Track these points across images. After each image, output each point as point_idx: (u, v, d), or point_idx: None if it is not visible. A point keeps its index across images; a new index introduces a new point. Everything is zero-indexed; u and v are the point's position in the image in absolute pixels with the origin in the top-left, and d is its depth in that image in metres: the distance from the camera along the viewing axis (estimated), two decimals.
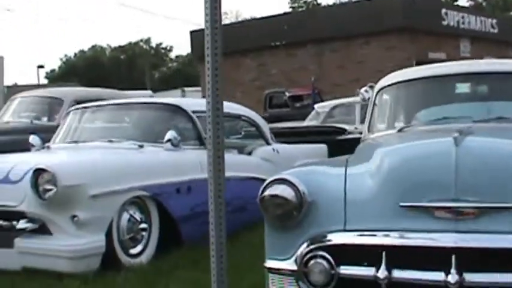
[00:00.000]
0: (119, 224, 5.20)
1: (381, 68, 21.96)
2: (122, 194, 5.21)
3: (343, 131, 12.21)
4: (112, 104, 7.16)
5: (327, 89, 20.98)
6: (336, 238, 3.16)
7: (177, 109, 6.62)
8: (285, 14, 32.57)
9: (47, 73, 70.59)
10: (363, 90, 5.64)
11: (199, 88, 28.10)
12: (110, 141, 6.25)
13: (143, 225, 5.42)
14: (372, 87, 5.34)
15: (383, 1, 22.90)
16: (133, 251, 5.34)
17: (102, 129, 6.90)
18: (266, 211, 3.35)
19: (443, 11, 24.48)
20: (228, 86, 24.71)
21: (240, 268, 4.56)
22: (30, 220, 4.93)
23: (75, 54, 78.46)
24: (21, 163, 5.26)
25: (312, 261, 3.15)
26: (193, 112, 6.57)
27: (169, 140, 6.07)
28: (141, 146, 6.08)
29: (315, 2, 64.96)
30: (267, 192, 3.31)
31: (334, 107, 13.37)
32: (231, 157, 7.05)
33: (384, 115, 4.99)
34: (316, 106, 13.97)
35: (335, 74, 22.80)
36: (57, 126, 9.34)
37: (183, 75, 70.55)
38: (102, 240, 4.98)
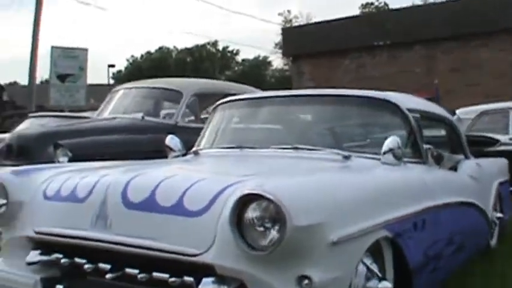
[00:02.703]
0: (353, 284, 3.15)
1: (504, 71, 19.67)
2: (365, 237, 3.15)
3: (494, 142, 10.31)
4: (283, 96, 5.11)
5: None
6: None
7: (387, 104, 4.60)
8: (390, 10, 30.42)
9: (113, 73, 69.93)
10: None
11: None
12: (295, 148, 4.28)
13: (384, 285, 3.33)
14: None
15: None
16: None
17: (274, 131, 4.91)
18: None
19: None
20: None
21: None
22: (221, 279, 2.87)
23: (142, 55, 77.76)
24: (200, 182, 3.19)
25: None
26: (409, 111, 4.59)
27: (390, 150, 4.07)
28: (346, 157, 4.10)
29: (385, 8, 62.84)
30: None
31: (482, 113, 11.30)
32: (440, 174, 4.99)
33: None
34: (458, 112, 11.88)
35: (447, 78, 20.43)
36: (174, 125, 7.60)
37: (249, 78, 69.02)
38: None
